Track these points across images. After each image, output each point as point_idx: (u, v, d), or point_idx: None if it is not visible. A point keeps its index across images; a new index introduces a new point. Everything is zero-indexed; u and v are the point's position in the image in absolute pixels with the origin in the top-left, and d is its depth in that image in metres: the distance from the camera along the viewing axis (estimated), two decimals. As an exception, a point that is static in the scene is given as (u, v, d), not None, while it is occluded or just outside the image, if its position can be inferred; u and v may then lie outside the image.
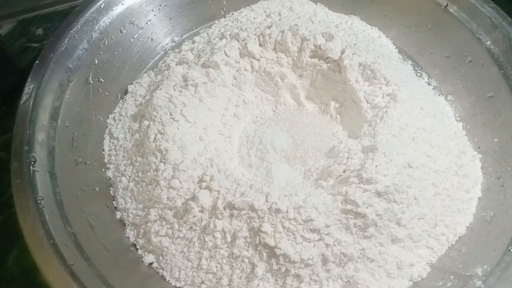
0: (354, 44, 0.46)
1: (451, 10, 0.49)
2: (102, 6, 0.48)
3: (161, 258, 0.39)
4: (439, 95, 0.49)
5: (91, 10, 0.47)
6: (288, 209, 0.36)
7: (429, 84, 0.51)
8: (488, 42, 0.46)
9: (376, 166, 0.37)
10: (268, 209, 0.36)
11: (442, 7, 0.49)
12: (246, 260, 0.36)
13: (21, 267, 0.37)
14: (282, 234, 0.36)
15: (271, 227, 0.36)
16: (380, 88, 0.44)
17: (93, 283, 0.34)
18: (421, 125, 0.42)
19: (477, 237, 0.39)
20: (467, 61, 0.48)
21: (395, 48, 0.52)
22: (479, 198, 0.42)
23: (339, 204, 0.37)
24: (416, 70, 0.51)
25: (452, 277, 0.37)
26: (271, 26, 0.48)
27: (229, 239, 0.37)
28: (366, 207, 0.36)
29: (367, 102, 0.44)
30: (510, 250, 0.36)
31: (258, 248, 0.36)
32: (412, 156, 0.39)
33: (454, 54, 0.49)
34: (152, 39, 0.52)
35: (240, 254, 0.36)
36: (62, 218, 0.36)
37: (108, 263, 0.37)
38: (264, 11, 0.53)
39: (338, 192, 0.37)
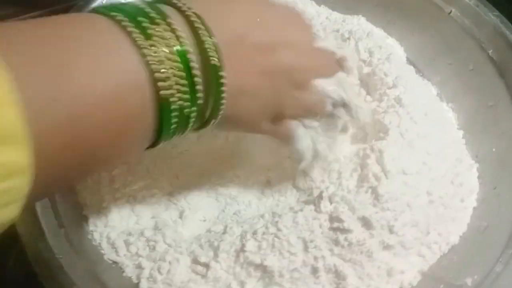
0: (364, 38, 0.46)
1: (454, 17, 0.48)
2: (103, 4, 0.48)
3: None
4: (440, 101, 0.49)
5: (92, 7, 0.47)
6: (267, 223, 0.36)
7: (431, 90, 0.50)
8: (491, 51, 0.46)
9: (368, 172, 0.37)
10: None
11: (446, 14, 0.49)
12: (235, 283, 0.36)
13: (22, 267, 0.37)
14: (267, 250, 0.36)
15: (256, 243, 0.36)
16: (385, 92, 0.44)
17: (82, 277, 0.35)
18: (422, 132, 0.42)
19: (469, 247, 0.39)
20: (469, 69, 0.48)
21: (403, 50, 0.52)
22: (474, 207, 0.41)
23: (322, 222, 0.36)
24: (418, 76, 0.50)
25: (442, 286, 0.37)
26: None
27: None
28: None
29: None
30: (500, 261, 0.36)
31: (244, 266, 0.36)
32: (407, 162, 0.39)
33: (456, 62, 0.48)
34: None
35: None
36: (54, 210, 0.37)
37: (98, 258, 0.37)
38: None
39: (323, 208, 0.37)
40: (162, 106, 0.25)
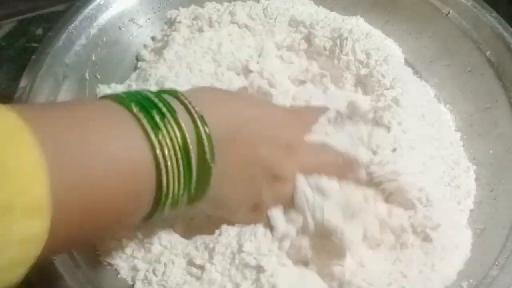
0: (363, 39, 0.46)
1: (452, 19, 0.48)
2: (101, 3, 0.48)
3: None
4: (438, 103, 0.49)
5: (91, 6, 0.47)
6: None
7: (429, 92, 0.50)
8: (489, 52, 0.46)
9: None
10: None
11: (444, 15, 0.49)
12: (230, 285, 0.36)
13: None
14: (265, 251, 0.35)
15: (252, 244, 0.35)
16: (382, 93, 0.44)
17: (76, 279, 0.34)
18: (420, 134, 0.41)
19: (465, 250, 0.39)
20: (466, 71, 0.47)
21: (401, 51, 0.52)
22: (470, 210, 0.41)
23: None
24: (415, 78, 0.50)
25: (437, 289, 0.37)
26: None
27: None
28: None
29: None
30: (496, 265, 0.36)
31: (239, 268, 0.36)
32: (403, 165, 0.39)
33: (454, 63, 0.48)
34: (152, 37, 0.52)
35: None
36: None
37: (93, 259, 0.37)
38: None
39: None
40: (160, 193, 0.28)
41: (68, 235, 0.25)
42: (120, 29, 0.50)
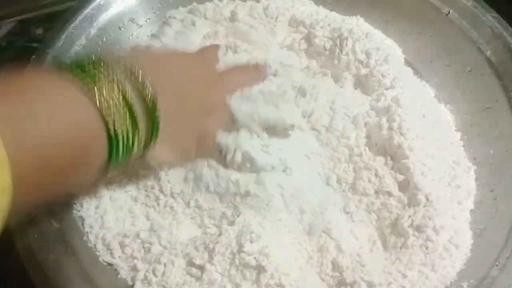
0: (363, 39, 0.46)
1: (452, 19, 0.48)
2: (101, 3, 0.48)
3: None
4: (438, 103, 0.49)
5: (91, 6, 0.48)
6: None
7: (429, 92, 0.50)
8: (489, 52, 0.46)
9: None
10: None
11: (444, 15, 0.49)
12: (229, 285, 0.36)
13: (22, 267, 0.37)
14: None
15: (251, 245, 0.36)
16: (382, 93, 0.44)
17: (76, 279, 0.35)
18: (420, 134, 0.41)
19: (466, 250, 0.39)
20: (466, 71, 0.47)
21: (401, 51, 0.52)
22: (470, 210, 0.41)
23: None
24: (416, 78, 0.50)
25: (437, 290, 0.37)
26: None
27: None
28: None
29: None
30: (496, 265, 0.36)
31: (239, 268, 0.36)
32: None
33: (454, 63, 0.48)
34: (152, 37, 0.52)
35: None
36: (49, 211, 0.37)
37: (93, 260, 0.37)
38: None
39: None
40: (111, 138, 0.31)
41: (31, 186, 0.28)
42: (120, 29, 0.50)
